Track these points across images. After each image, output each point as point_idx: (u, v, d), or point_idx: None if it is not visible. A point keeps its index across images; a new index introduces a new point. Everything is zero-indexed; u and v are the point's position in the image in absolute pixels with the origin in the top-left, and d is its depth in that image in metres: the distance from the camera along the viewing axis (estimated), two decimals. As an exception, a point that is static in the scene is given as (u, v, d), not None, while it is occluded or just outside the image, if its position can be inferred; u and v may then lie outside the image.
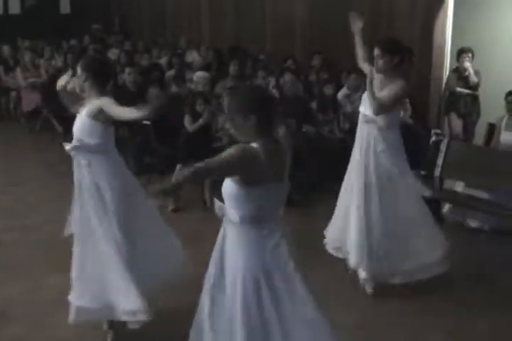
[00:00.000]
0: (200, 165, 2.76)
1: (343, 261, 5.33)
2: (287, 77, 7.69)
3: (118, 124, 8.17)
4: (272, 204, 2.95)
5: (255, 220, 2.90)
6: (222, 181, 2.96)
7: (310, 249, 5.82)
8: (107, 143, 4.07)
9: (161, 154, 7.94)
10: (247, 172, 2.79)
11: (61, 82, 9.15)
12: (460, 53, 8.51)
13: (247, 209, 2.88)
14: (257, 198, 2.84)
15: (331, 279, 5.20)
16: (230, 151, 2.75)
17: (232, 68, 9.33)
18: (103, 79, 4.02)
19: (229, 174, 2.84)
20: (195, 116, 6.97)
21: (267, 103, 2.86)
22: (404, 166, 5.02)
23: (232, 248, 2.98)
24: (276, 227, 2.96)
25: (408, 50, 5.13)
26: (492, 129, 7.32)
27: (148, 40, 12.66)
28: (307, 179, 7.37)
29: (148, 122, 8.03)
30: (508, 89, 7.73)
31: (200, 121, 6.93)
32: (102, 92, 3.97)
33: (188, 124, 6.99)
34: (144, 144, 7.99)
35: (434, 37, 9.01)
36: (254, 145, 2.84)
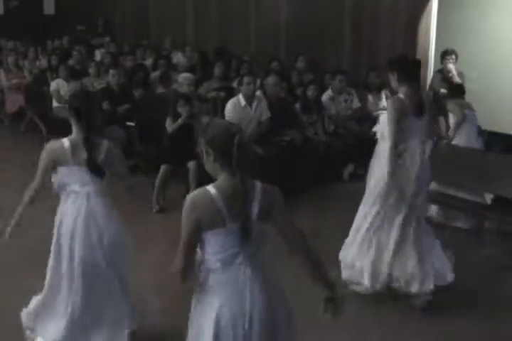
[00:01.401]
0: (180, 246, 2.74)
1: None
2: (270, 79, 7.68)
3: (106, 123, 8.29)
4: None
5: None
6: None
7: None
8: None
9: (145, 156, 7.93)
10: (205, 219, 2.70)
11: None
12: (444, 55, 8.56)
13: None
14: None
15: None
16: (183, 213, 2.71)
17: (217, 70, 9.31)
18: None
19: (199, 230, 2.72)
20: (176, 117, 6.97)
21: (227, 140, 2.72)
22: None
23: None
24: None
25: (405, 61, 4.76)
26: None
27: (133, 42, 12.63)
28: (294, 181, 7.37)
29: (132, 123, 8.03)
30: (491, 90, 7.82)
31: (179, 122, 6.91)
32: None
33: (169, 125, 6.98)
34: (128, 145, 7.97)
35: (418, 39, 9.07)
36: (209, 187, 2.74)
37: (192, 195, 2.72)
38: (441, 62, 8.62)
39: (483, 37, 9.50)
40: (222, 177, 2.76)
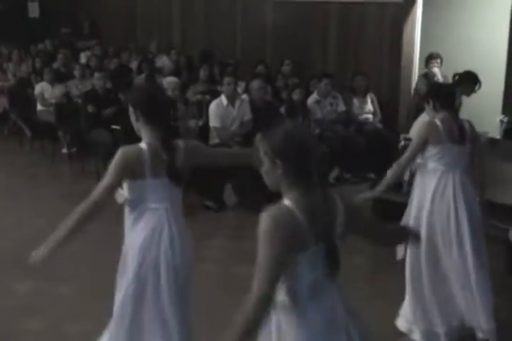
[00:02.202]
0: (254, 292, 2.17)
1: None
2: (255, 83, 7.71)
3: (91, 126, 8.25)
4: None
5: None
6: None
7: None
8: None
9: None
10: (292, 244, 2.25)
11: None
12: (429, 59, 8.61)
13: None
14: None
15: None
16: (263, 242, 2.23)
17: (203, 73, 9.34)
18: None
19: (287, 259, 2.25)
20: None
21: (301, 150, 2.30)
22: None
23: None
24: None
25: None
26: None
27: (119, 45, 12.58)
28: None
29: (118, 126, 7.99)
30: (475, 94, 7.83)
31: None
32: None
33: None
34: (114, 149, 7.92)
35: (403, 43, 9.11)
36: (287, 203, 2.30)
37: (271, 220, 2.23)
38: (426, 66, 8.66)
39: (468, 40, 9.57)
40: (296, 193, 2.31)
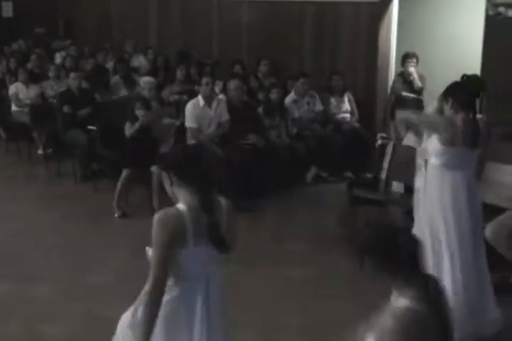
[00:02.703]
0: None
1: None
2: (231, 83, 7.71)
3: (67, 127, 8.19)
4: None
5: None
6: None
7: (259, 252, 5.86)
8: None
9: (107, 160, 7.84)
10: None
11: None
12: (405, 58, 8.65)
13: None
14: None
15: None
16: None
17: (179, 73, 9.30)
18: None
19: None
20: (134, 120, 6.92)
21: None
22: None
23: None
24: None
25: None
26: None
27: (94, 45, 12.50)
28: (257, 185, 7.38)
29: (93, 127, 7.94)
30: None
31: (136, 125, 6.86)
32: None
33: (128, 129, 6.93)
34: (90, 150, 7.87)
35: (379, 42, 9.14)
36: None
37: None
38: (402, 66, 8.71)
39: (444, 39, 9.63)
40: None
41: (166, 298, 2.77)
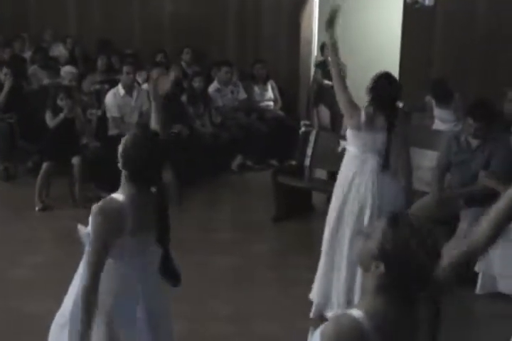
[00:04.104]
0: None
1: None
2: (155, 72, 7.60)
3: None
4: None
5: None
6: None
7: (185, 241, 5.85)
8: None
9: (27, 152, 7.66)
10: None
11: None
12: (323, 47, 8.77)
13: None
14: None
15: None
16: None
17: (100, 62, 9.15)
18: None
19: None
20: (56, 110, 6.75)
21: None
22: None
23: None
24: None
25: None
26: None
27: (11, 34, 12.11)
28: (180, 175, 7.33)
29: (11, 120, 7.72)
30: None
31: (61, 116, 6.71)
32: None
33: (49, 119, 6.76)
34: (9, 142, 7.65)
35: (301, 31, 9.21)
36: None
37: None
38: (322, 55, 8.82)
39: (364, 28, 9.80)
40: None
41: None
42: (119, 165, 2.86)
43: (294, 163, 6.96)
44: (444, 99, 6.80)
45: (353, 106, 4.39)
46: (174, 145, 7.28)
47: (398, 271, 1.87)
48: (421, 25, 8.03)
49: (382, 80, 4.48)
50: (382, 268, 1.87)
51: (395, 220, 1.92)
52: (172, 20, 10.60)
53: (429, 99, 7.01)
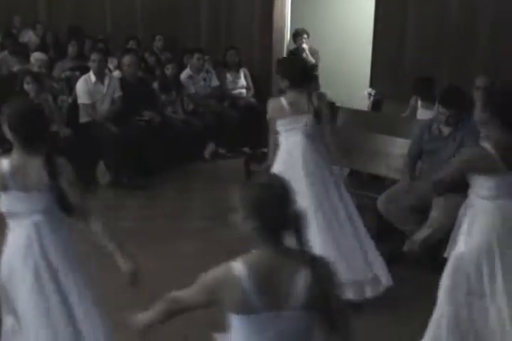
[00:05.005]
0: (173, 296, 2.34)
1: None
2: (125, 59, 7.54)
3: None
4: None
5: None
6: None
7: (156, 229, 5.82)
8: None
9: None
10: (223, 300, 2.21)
11: None
12: (295, 36, 8.78)
13: None
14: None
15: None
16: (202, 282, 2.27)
17: (71, 49, 9.05)
18: None
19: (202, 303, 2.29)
20: (24, 96, 6.65)
21: (274, 208, 2.16)
22: None
23: None
24: None
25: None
26: (331, 107, 7.55)
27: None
28: (154, 161, 7.30)
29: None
30: (345, 67, 8.04)
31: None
32: None
33: (16, 106, 6.65)
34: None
35: (273, 19, 9.17)
36: (238, 265, 2.19)
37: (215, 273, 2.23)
38: (295, 43, 8.82)
39: (337, 13, 9.80)
40: (259, 251, 2.22)
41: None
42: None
43: (266, 150, 6.94)
44: (429, 98, 6.51)
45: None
46: (145, 133, 7.24)
47: (261, 223, 2.12)
48: (394, 11, 8.03)
49: (293, 62, 5.02)
50: (249, 223, 2.15)
51: (246, 182, 2.25)
52: (144, 6, 10.50)
53: (415, 100, 6.79)
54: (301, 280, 2.13)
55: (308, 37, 8.71)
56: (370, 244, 4.59)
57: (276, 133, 4.67)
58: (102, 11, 10.99)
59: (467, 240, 3.56)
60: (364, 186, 5.95)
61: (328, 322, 2.19)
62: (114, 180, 7.08)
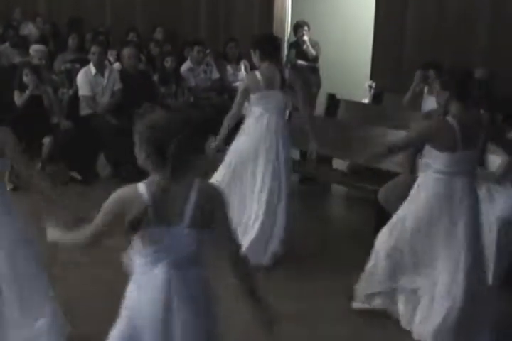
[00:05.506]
0: (85, 232, 2.56)
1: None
2: (125, 51, 7.54)
3: None
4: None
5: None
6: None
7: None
8: None
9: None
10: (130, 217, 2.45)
11: None
12: (296, 28, 8.74)
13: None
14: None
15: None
16: (107, 205, 2.49)
17: (71, 41, 9.03)
18: None
19: (116, 225, 2.50)
20: (23, 88, 6.65)
21: (164, 139, 2.42)
22: None
23: None
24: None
25: None
26: (332, 99, 7.56)
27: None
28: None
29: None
30: (345, 60, 8.01)
31: (27, 93, 6.61)
32: None
33: (17, 98, 6.66)
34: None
35: (274, 11, 9.16)
36: (141, 185, 2.45)
37: (121, 191, 2.46)
38: (295, 35, 8.79)
39: (338, 6, 9.77)
40: (154, 175, 2.47)
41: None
42: None
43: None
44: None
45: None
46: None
47: (151, 151, 2.41)
48: (394, 4, 8.02)
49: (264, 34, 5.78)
50: (143, 152, 2.44)
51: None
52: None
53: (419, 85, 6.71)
54: (192, 201, 2.44)
55: (308, 29, 8.69)
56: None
57: (241, 107, 5.06)
58: (101, 4, 10.99)
59: (409, 207, 3.96)
60: (364, 179, 5.96)
61: (226, 241, 2.57)
62: (115, 172, 7.10)
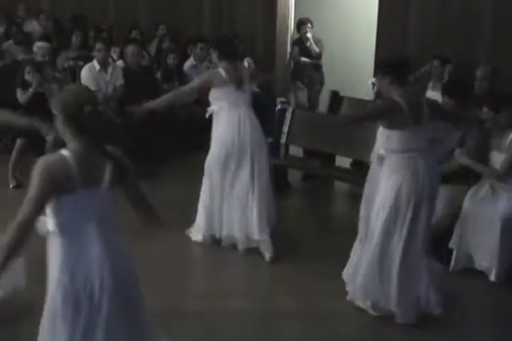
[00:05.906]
0: (17, 219, 2.69)
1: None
2: (129, 48, 7.58)
3: None
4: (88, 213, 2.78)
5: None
6: None
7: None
8: None
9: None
10: (57, 186, 2.67)
11: None
12: (299, 25, 8.74)
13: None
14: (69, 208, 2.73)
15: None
16: (34, 178, 2.64)
17: (75, 39, 9.07)
18: None
19: (51, 194, 2.68)
20: (26, 86, 6.66)
21: (76, 108, 2.75)
22: None
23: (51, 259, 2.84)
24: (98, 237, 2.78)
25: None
26: (335, 97, 7.55)
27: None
28: (158, 149, 7.35)
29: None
30: (349, 57, 7.99)
31: (30, 91, 6.62)
32: None
33: (20, 96, 6.67)
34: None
35: (277, 7, 9.14)
36: (64, 151, 2.71)
37: (46, 159, 2.67)
38: (298, 32, 8.79)
39: (341, 3, 9.76)
40: (73, 143, 2.75)
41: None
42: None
43: (270, 140, 6.95)
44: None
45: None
46: (148, 122, 7.24)
47: (70, 119, 2.73)
48: (397, 1, 8.00)
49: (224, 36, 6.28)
50: (60, 121, 2.75)
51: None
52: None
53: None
54: (108, 167, 2.74)
55: (312, 26, 8.68)
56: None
57: (190, 92, 5.46)
58: (105, 1, 10.99)
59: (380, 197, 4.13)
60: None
61: (133, 195, 2.93)
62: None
